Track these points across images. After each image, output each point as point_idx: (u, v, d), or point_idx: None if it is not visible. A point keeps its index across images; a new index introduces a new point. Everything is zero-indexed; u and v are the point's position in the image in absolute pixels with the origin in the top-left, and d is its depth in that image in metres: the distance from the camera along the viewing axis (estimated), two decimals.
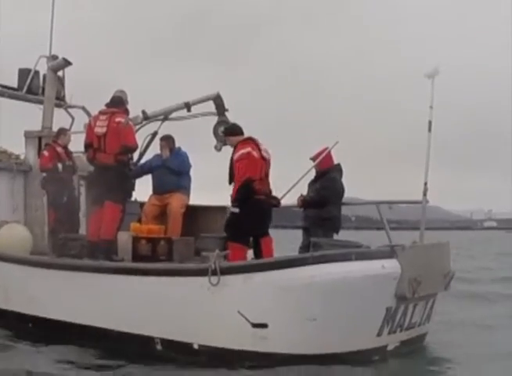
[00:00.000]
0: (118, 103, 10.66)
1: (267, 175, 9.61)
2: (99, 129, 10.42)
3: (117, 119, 10.36)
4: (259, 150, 9.45)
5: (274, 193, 9.78)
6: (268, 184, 9.60)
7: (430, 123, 8.93)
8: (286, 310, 7.99)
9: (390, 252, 8.43)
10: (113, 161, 10.33)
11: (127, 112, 10.76)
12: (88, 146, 10.62)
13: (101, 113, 10.61)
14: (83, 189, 12.49)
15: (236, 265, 8.52)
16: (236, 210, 9.25)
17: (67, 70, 13.21)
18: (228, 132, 9.91)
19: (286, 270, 8.02)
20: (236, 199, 9.29)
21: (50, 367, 8.57)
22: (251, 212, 9.25)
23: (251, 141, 9.54)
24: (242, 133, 9.72)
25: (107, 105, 10.68)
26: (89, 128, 10.67)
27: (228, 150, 11.40)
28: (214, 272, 8.18)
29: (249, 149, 9.37)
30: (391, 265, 8.31)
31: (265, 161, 9.50)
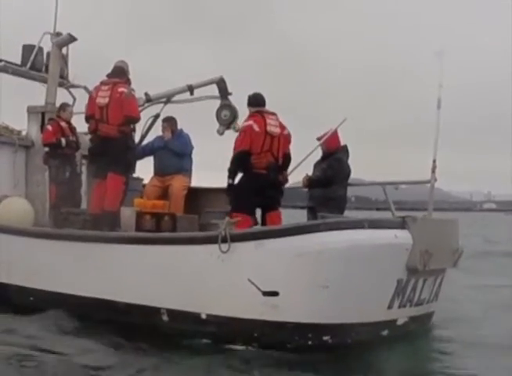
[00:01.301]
0: (120, 73, 10.52)
1: (276, 150, 9.50)
2: (101, 100, 10.26)
3: (120, 89, 10.21)
4: (265, 123, 9.35)
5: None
6: (273, 159, 9.49)
7: (439, 100, 8.87)
8: (297, 277, 7.82)
9: (401, 223, 8.29)
10: (116, 132, 10.18)
11: (129, 82, 10.60)
12: (89, 117, 10.46)
13: (103, 83, 10.46)
14: (84, 168, 12.32)
15: (247, 231, 8.36)
16: (230, 181, 9.32)
17: (71, 49, 13.08)
18: (247, 102, 9.82)
19: (297, 237, 7.85)
20: (229, 170, 9.34)
21: (51, 337, 8.48)
22: (247, 185, 9.31)
23: (258, 114, 9.54)
24: (257, 104, 9.66)
25: (108, 75, 10.52)
26: (91, 99, 10.52)
27: (230, 134, 11.40)
28: (224, 240, 8.02)
29: (251, 122, 9.41)
30: (403, 236, 8.17)
31: (271, 136, 9.40)
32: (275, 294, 7.85)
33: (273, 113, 9.67)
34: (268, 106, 9.78)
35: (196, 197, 11.78)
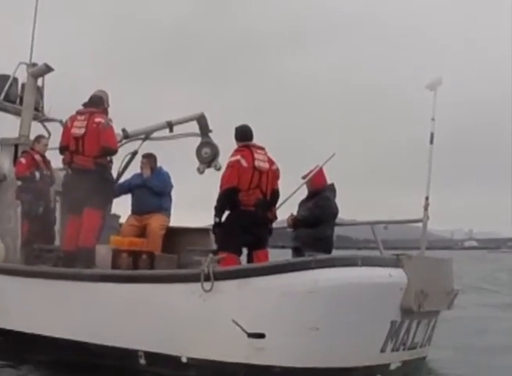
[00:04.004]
0: (97, 102, 10.07)
1: (264, 186, 9.07)
2: (77, 130, 9.77)
3: (97, 119, 9.75)
4: (253, 158, 8.92)
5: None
6: (262, 195, 9.03)
7: (432, 135, 8.61)
8: (285, 319, 7.34)
9: (396, 261, 7.85)
10: (92, 164, 9.68)
11: (106, 112, 10.15)
12: (64, 148, 9.96)
13: (78, 113, 9.98)
14: (58, 205, 11.80)
15: (232, 269, 7.89)
16: (217, 219, 8.85)
17: (46, 82, 12.64)
18: (234, 136, 9.37)
19: (286, 275, 7.39)
20: (215, 208, 8.87)
21: None
22: (235, 223, 8.82)
23: (246, 148, 9.08)
24: (244, 138, 9.19)
25: (85, 104, 10.07)
26: (66, 130, 10.03)
27: (212, 173, 11.01)
28: (207, 278, 7.55)
29: (238, 157, 8.94)
30: (397, 274, 7.73)
31: (259, 171, 8.96)
32: (261, 336, 7.37)
33: (261, 148, 9.21)
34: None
35: (175, 237, 11.29)
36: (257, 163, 8.96)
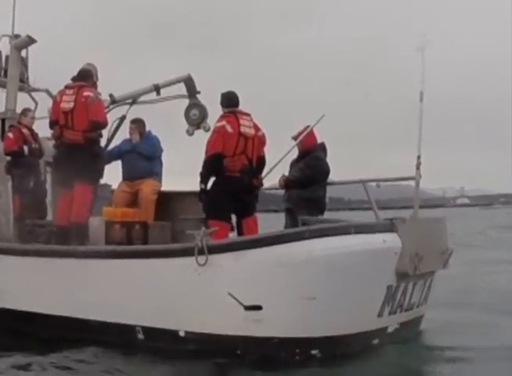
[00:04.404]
0: (86, 76, 9.93)
1: (250, 152, 9.01)
2: (66, 105, 9.66)
3: (85, 93, 9.62)
4: (238, 124, 8.84)
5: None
6: (248, 161, 8.98)
7: (421, 93, 8.42)
8: (282, 290, 7.31)
9: (390, 226, 7.82)
10: (81, 139, 9.57)
11: (95, 86, 10.02)
12: (53, 123, 9.84)
13: (67, 87, 9.85)
14: (48, 176, 11.73)
15: (226, 242, 7.85)
16: (203, 186, 8.81)
17: (31, 52, 12.49)
18: (220, 102, 9.30)
19: (280, 246, 7.33)
20: (200, 174, 8.82)
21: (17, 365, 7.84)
22: (221, 190, 8.79)
23: (231, 114, 9.01)
24: (230, 104, 9.11)
25: (74, 78, 9.93)
26: (55, 104, 9.91)
27: (201, 134, 10.93)
28: (201, 252, 7.49)
29: (223, 122, 8.90)
30: (391, 240, 7.71)
31: (244, 137, 8.89)
32: (258, 308, 7.34)
33: (247, 114, 9.13)
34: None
35: (167, 202, 11.20)
36: (242, 129, 8.89)
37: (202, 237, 7.53)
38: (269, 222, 10.54)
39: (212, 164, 8.76)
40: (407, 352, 8.25)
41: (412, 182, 8.56)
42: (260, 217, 9.48)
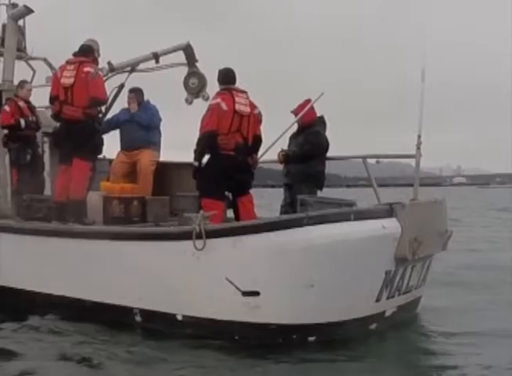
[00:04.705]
0: (87, 51, 9.86)
1: (245, 130, 8.95)
2: (66, 80, 9.61)
3: (86, 69, 9.56)
4: (233, 102, 8.75)
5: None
6: (242, 139, 8.94)
7: (423, 72, 8.28)
8: (280, 276, 7.25)
9: (389, 211, 7.76)
10: (81, 115, 9.56)
11: (96, 62, 9.95)
12: (53, 98, 9.83)
13: (68, 62, 9.79)
14: (47, 147, 11.65)
15: (224, 227, 7.75)
16: (196, 163, 8.75)
17: (29, 20, 12.30)
18: (217, 78, 9.22)
19: (279, 232, 7.25)
20: (194, 152, 8.76)
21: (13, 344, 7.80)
22: (214, 167, 8.75)
23: (227, 91, 8.94)
24: (227, 81, 9.03)
25: (75, 54, 9.83)
26: (55, 79, 9.88)
27: (200, 103, 10.87)
28: (198, 236, 7.43)
29: (218, 100, 8.83)
30: (390, 225, 7.66)
31: (240, 115, 8.81)
32: (255, 294, 7.28)
33: (243, 91, 9.04)
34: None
35: (166, 173, 11.20)
36: (237, 106, 8.82)
37: (200, 221, 7.47)
38: (266, 197, 10.47)
39: (206, 142, 8.71)
40: (405, 336, 8.24)
41: (409, 161, 8.48)
42: (257, 192, 9.44)
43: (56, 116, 9.82)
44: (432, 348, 7.93)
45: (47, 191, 11.06)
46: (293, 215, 7.91)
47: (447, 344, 7.99)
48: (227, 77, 9.07)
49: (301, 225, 7.24)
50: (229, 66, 9.29)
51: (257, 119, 9.12)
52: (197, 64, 11.38)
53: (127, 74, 11.49)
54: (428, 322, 8.93)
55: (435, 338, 8.29)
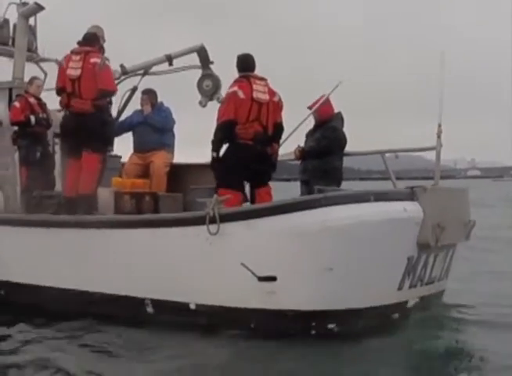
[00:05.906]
0: (92, 40, 9.58)
1: (264, 119, 8.63)
2: (73, 71, 9.34)
3: (92, 60, 9.29)
4: (251, 89, 8.47)
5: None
6: (261, 128, 8.60)
7: (442, 57, 8.02)
8: (297, 260, 6.97)
9: (410, 194, 7.46)
10: (90, 107, 9.27)
11: (102, 50, 9.70)
12: (60, 90, 9.55)
13: (73, 52, 9.52)
14: (57, 148, 11.42)
15: (238, 210, 7.50)
16: (214, 154, 8.47)
17: (40, 20, 12.16)
18: (236, 64, 8.88)
19: (296, 214, 6.99)
20: (212, 142, 8.48)
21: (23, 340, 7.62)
22: (233, 157, 8.46)
23: (244, 79, 8.64)
24: (245, 68, 8.73)
25: (79, 43, 9.59)
26: (61, 70, 9.59)
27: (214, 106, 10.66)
28: (212, 220, 7.18)
29: (235, 88, 8.52)
30: (413, 208, 7.35)
31: (258, 103, 8.51)
32: (272, 279, 7.02)
33: (262, 78, 8.73)
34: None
35: (179, 175, 10.94)
36: (255, 94, 8.51)
37: (214, 205, 7.22)
38: (281, 191, 10.19)
39: (223, 132, 8.41)
40: (428, 328, 7.89)
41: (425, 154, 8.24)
42: (273, 186, 9.18)
43: (65, 108, 9.57)
44: (453, 343, 7.55)
45: (57, 189, 10.81)
46: (309, 196, 7.63)
47: (471, 337, 7.72)
48: (245, 64, 8.76)
49: (318, 207, 6.97)
50: (248, 52, 9.01)
51: (278, 106, 8.79)
52: (211, 66, 11.17)
53: (139, 76, 11.33)
54: (453, 314, 8.59)
55: (458, 331, 7.98)
